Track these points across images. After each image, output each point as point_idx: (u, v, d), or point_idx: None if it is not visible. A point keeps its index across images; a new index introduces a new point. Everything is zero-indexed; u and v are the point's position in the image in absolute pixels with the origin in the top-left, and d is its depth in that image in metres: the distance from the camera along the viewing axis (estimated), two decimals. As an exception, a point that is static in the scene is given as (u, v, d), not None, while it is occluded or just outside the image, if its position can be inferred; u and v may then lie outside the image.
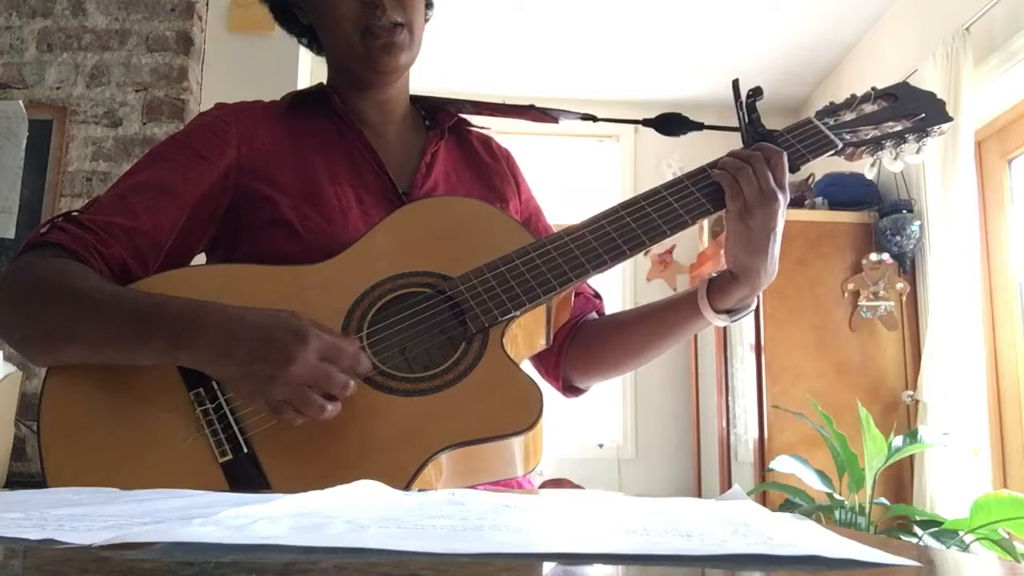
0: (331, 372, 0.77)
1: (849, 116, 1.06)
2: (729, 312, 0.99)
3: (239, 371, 0.78)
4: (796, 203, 3.18)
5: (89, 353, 0.84)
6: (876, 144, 1.04)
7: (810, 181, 3.28)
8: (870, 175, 1.10)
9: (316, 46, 1.12)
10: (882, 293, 3.01)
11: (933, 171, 2.75)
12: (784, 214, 0.94)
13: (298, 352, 0.76)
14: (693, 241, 3.94)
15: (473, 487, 0.86)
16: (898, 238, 2.97)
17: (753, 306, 1.01)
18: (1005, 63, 2.59)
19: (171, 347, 0.80)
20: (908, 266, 3.03)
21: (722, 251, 0.99)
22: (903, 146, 1.05)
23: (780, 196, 0.92)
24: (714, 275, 1.00)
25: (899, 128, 1.05)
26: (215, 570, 0.31)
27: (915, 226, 2.96)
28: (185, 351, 0.80)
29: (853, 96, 1.07)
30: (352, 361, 0.79)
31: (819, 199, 3.18)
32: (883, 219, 3.03)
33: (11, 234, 2.26)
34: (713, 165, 0.97)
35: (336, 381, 0.77)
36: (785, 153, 0.95)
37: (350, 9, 0.99)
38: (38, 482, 0.79)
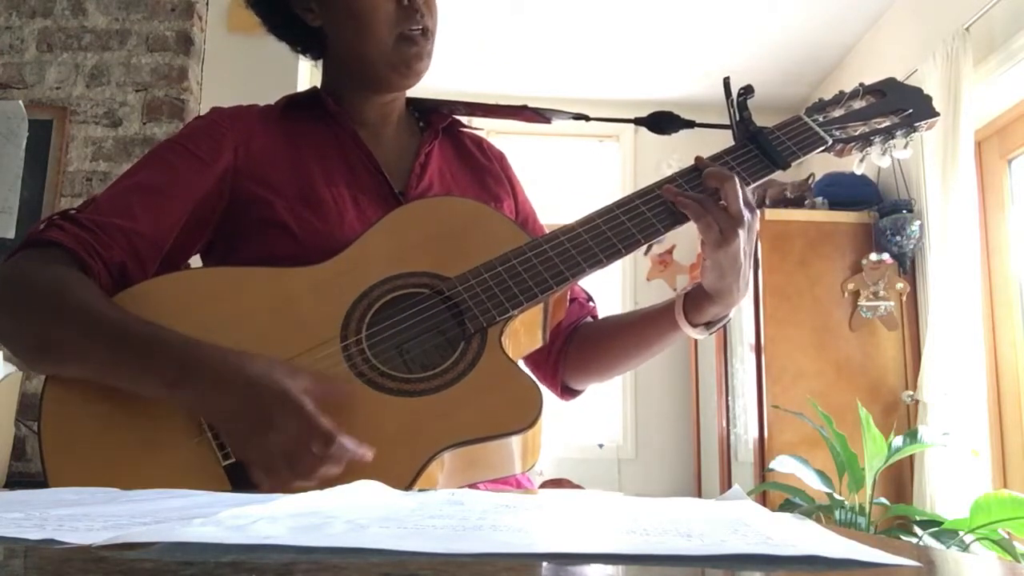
0: (302, 452, 0.75)
1: (838, 112, 1.07)
2: (706, 325, 1.00)
3: (223, 423, 0.79)
4: (796, 203, 3.18)
5: (84, 374, 0.84)
6: (865, 140, 1.05)
7: (810, 181, 3.28)
8: (859, 171, 1.11)
9: (314, 51, 1.11)
10: (882, 293, 3.01)
11: (933, 171, 2.75)
12: (756, 232, 0.94)
13: (277, 420, 0.75)
14: (693, 241, 3.94)
15: (473, 485, 0.87)
16: (898, 238, 2.98)
17: (728, 319, 1.02)
18: (1005, 63, 2.59)
19: (167, 386, 0.80)
20: (908, 266, 3.03)
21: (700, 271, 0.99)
22: (891, 141, 1.06)
23: (747, 216, 0.92)
24: (689, 289, 1.00)
25: (887, 124, 1.06)
26: (215, 570, 0.31)
27: (915, 226, 2.96)
28: (180, 391, 0.80)
29: (842, 93, 1.08)
30: (322, 443, 0.75)
31: (819, 199, 3.18)
32: (883, 219, 3.03)
33: (11, 234, 2.27)
34: (695, 168, 0.97)
35: (303, 462, 0.75)
36: (735, 177, 0.93)
37: (387, 13, 0.99)
38: (38, 482, 0.79)
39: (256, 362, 0.79)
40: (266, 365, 0.79)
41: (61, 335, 0.84)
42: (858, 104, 1.08)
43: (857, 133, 1.05)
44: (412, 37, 1.01)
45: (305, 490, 0.73)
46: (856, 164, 1.09)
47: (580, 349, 1.11)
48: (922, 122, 1.06)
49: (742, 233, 0.91)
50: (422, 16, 1.00)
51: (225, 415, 0.79)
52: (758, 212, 0.94)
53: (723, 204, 0.92)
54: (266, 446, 0.76)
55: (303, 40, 1.11)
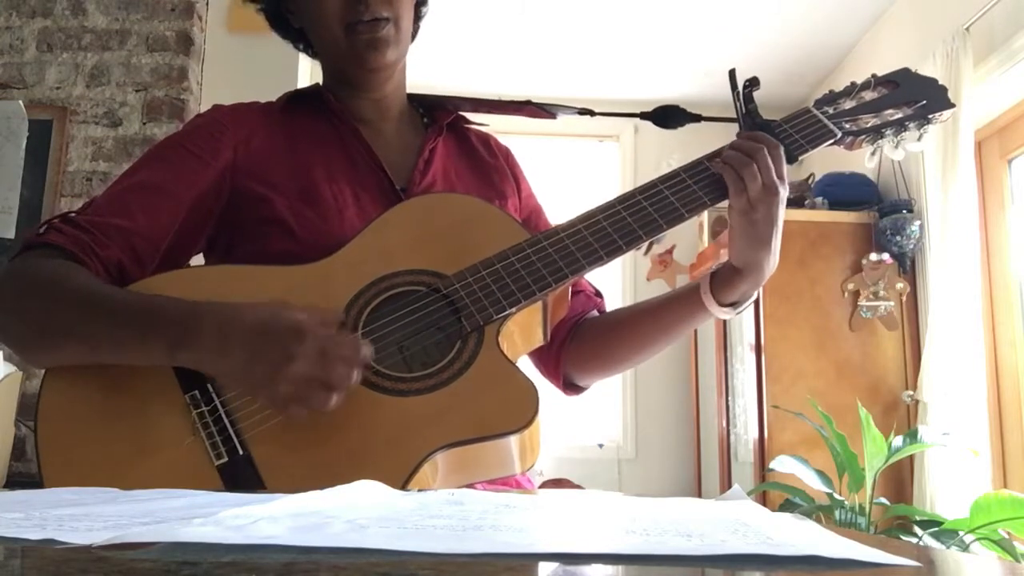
0: (331, 366, 0.77)
1: (849, 104, 1.04)
2: (733, 305, 0.99)
3: (239, 370, 0.79)
4: (796, 203, 3.17)
5: (86, 354, 0.84)
6: (876, 132, 1.02)
7: (810, 181, 3.28)
8: (870, 164, 1.09)
9: (311, 49, 1.12)
10: (882, 293, 3.01)
11: (933, 171, 2.75)
12: (784, 205, 0.94)
13: (297, 349, 0.76)
14: (693, 241, 3.94)
15: (470, 486, 0.86)
16: (898, 238, 2.97)
17: (755, 297, 1.01)
18: (1005, 63, 2.59)
19: (169, 348, 0.80)
20: (908, 266, 3.02)
21: (722, 251, 0.98)
22: (904, 134, 1.03)
23: (781, 188, 0.93)
24: (715, 268, 0.99)
25: (900, 115, 1.03)
26: (215, 570, 0.31)
27: (915, 226, 2.96)
28: (183, 351, 0.80)
29: (853, 84, 1.05)
30: (352, 350, 0.79)
31: (819, 199, 3.18)
32: (883, 219, 3.02)
33: (11, 234, 2.26)
34: (711, 157, 0.97)
35: (336, 374, 0.77)
36: (781, 145, 0.94)
37: (333, 5, 0.98)
38: (38, 482, 0.79)
39: (251, 308, 0.81)
40: (262, 308, 0.80)
41: (60, 315, 0.84)
42: (870, 95, 1.04)
43: (868, 125, 1.02)
44: (359, 27, 0.98)
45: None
46: (867, 158, 1.06)
47: (585, 342, 1.09)
48: (936, 113, 1.03)
49: (769, 202, 0.91)
50: (368, 5, 0.97)
51: (239, 364, 0.79)
52: (787, 186, 0.94)
53: (756, 172, 0.91)
54: (294, 376, 0.76)
55: (297, 39, 1.12)
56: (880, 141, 1.03)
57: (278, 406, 0.79)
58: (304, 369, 0.76)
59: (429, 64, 3.44)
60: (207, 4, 2.76)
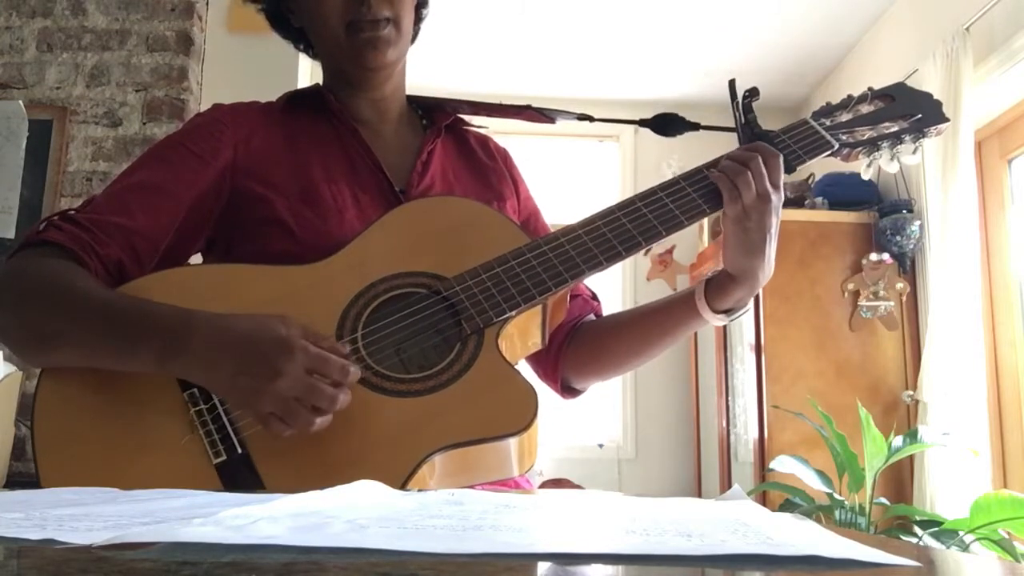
0: (317, 386, 0.76)
1: (845, 117, 1.06)
2: (727, 312, 1.00)
3: (227, 384, 0.79)
4: (796, 203, 3.18)
5: (81, 359, 0.84)
6: (872, 145, 1.04)
7: (810, 181, 3.28)
8: (866, 176, 1.11)
9: (311, 50, 1.12)
10: (882, 293, 3.01)
11: (933, 171, 2.75)
12: (780, 214, 0.95)
13: (284, 365, 0.75)
14: (693, 241, 3.94)
15: (468, 487, 0.86)
16: (898, 238, 2.97)
17: (750, 305, 1.01)
18: (1005, 63, 2.59)
19: (159, 358, 0.80)
20: (908, 266, 3.03)
21: (721, 252, 0.99)
22: (900, 146, 1.05)
23: (775, 197, 0.93)
24: (711, 275, 1.00)
25: (896, 128, 1.05)
26: (215, 570, 0.31)
27: (915, 226, 2.96)
28: (173, 362, 0.80)
29: (850, 97, 1.08)
30: (340, 372, 0.78)
31: (819, 199, 3.18)
32: (883, 219, 3.02)
33: (11, 234, 2.27)
34: (710, 165, 0.97)
35: (323, 394, 0.76)
36: (781, 155, 0.95)
37: (335, 3, 0.99)
38: (38, 482, 0.79)
39: (243, 319, 0.80)
40: (253, 319, 0.80)
41: (53, 320, 0.84)
42: (866, 108, 1.07)
43: (864, 138, 1.04)
44: (361, 26, 0.99)
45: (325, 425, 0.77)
46: (864, 169, 1.08)
47: (583, 345, 1.09)
48: (931, 128, 1.05)
49: (763, 211, 0.92)
50: (370, 5, 0.98)
51: (226, 377, 0.78)
52: (783, 194, 0.95)
53: (750, 180, 0.92)
54: (278, 394, 0.75)
55: (298, 39, 1.12)
56: (876, 153, 1.06)
57: (262, 423, 0.78)
58: (289, 388, 0.75)
59: (429, 64, 3.44)
60: (207, 4, 2.76)
